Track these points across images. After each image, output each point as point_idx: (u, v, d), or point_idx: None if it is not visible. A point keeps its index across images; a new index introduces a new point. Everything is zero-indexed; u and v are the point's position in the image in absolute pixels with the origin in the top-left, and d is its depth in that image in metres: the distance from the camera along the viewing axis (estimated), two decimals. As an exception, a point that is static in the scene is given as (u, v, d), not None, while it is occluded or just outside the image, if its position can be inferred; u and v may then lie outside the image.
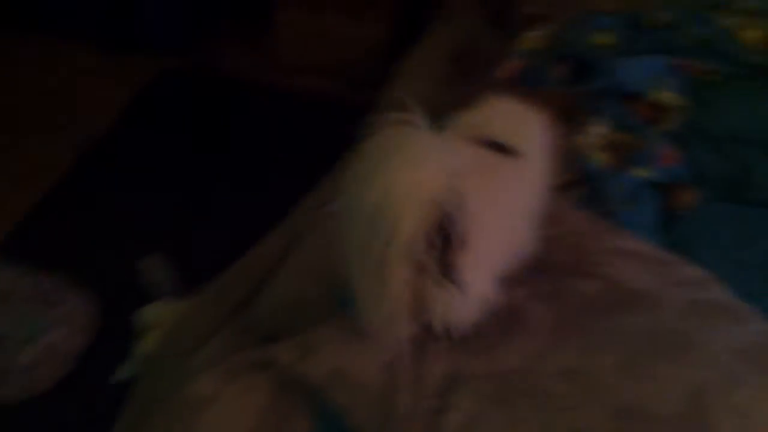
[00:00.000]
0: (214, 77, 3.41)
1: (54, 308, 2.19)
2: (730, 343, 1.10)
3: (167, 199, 2.75)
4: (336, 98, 3.27)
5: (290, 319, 1.63)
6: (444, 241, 1.07)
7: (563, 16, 2.37)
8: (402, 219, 1.02)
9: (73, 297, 2.26)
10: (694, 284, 1.27)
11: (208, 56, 3.52)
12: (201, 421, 1.29)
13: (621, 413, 1.04)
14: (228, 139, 3.06)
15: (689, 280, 1.29)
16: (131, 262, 2.40)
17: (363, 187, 1.06)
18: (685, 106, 2.03)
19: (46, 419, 2.05)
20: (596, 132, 1.89)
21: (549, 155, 1.40)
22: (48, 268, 2.32)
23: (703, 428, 1.01)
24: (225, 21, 3.70)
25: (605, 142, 1.89)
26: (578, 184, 1.82)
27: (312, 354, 1.28)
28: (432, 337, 1.24)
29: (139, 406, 1.75)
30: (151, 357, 1.87)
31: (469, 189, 1.07)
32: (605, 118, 1.90)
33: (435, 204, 1.04)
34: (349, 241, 1.11)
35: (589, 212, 1.59)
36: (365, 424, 1.19)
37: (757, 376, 1.05)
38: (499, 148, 1.28)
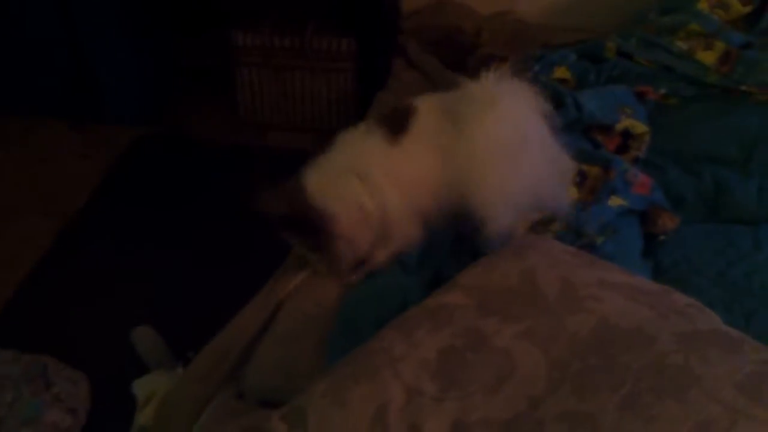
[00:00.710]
0: (188, 141, 3.43)
1: (47, 390, 2.16)
2: (730, 376, 1.09)
3: (152, 268, 2.73)
4: (305, 151, 3.29)
5: (281, 384, 1.62)
6: None
7: (520, 55, 2.41)
8: None
9: (65, 377, 2.23)
10: (685, 314, 1.26)
11: (176, 121, 3.53)
12: (203, 494, 1.27)
13: (627, 457, 1.02)
14: (210, 200, 3.05)
15: (680, 309, 1.27)
16: (119, 337, 2.38)
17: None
18: (650, 131, 2.06)
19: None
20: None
21: None
22: (36, 351, 2.29)
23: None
24: (187, 84, 3.73)
25: (575, 176, 1.90)
26: (552, 220, 1.83)
27: (301, 423, 1.25)
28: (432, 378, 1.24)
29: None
30: (149, 429, 1.84)
31: None
32: (572, 152, 1.92)
33: None
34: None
35: (569, 246, 1.59)
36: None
37: (762, 409, 1.03)
38: None
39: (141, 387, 2.10)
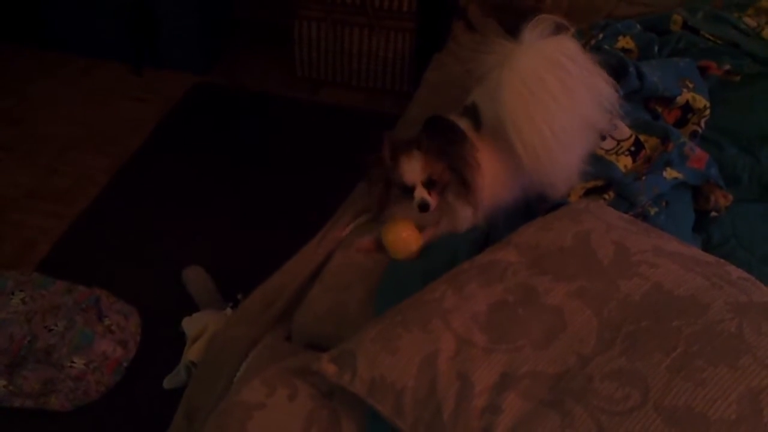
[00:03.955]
0: (242, 92, 3.47)
1: (99, 321, 2.23)
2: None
3: (204, 211, 2.80)
4: (358, 109, 3.32)
5: (329, 328, 1.66)
6: None
7: (582, 24, 2.39)
8: None
9: (117, 310, 2.30)
10: (739, 286, 1.26)
11: (232, 71, 3.57)
12: (250, 428, 1.31)
13: (676, 417, 1.03)
14: (260, 151, 3.11)
15: (734, 281, 1.27)
16: (169, 275, 2.45)
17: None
18: (710, 107, 2.04)
19: (98, 426, 2.11)
20: (621, 136, 1.90)
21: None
22: (90, 284, 2.37)
23: (760, 432, 1.02)
24: (245, 36, 3.76)
25: (630, 146, 1.90)
26: (605, 189, 1.83)
27: (350, 366, 1.29)
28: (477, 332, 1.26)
29: (187, 414, 1.77)
30: (198, 365, 1.90)
31: None
32: (630, 121, 1.91)
33: None
34: None
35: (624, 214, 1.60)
36: (414, 427, 1.21)
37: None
38: None
39: (190, 325, 2.17)
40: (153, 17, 3.40)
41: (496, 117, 1.65)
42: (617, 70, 2.00)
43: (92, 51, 3.55)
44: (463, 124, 1.72)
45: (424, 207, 1.64)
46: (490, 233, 1.75)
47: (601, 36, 2.20)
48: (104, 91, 3.40)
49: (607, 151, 1.87)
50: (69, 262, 2.53)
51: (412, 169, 1.63)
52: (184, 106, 3.33)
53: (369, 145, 1.68)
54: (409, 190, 1.65)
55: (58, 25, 3.52)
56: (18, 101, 3.31)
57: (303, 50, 3.35)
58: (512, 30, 2.78)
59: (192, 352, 2.06)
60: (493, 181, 1.70)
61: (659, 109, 2.02)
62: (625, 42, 2.23)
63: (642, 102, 2.01)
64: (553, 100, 1.61)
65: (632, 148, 1.89)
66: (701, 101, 2.02)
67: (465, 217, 1.70)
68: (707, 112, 2.02)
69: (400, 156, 1.64)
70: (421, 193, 1.64)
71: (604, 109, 1.71)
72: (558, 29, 1.70)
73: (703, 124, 2.01)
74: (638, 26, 2.30)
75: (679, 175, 1.82)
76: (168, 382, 2.12)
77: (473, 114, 1.74)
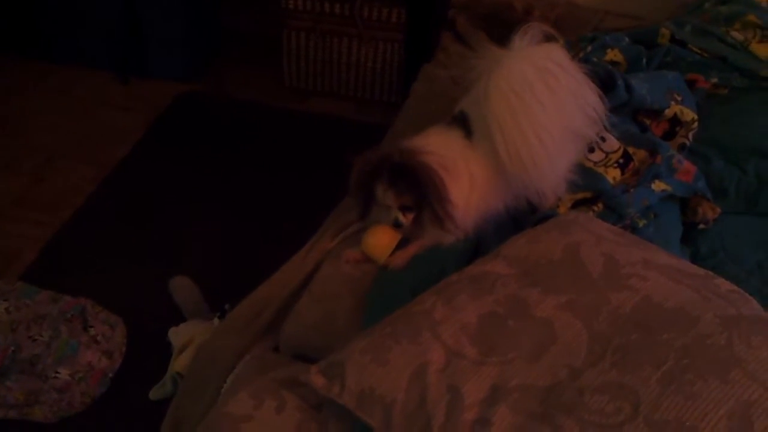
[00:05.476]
0: (229, 102, 3.46)
1: (84, 331, 2.22)
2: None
3: (191, 221, 2.79)
4: (346, 119, 3.32)
5: (317, 338, 1.65)
6: None
7: (570, 36, 2.40)
8: None
9: (102, 320, 2.29)
10: (729, 299, 1.27)
11: (219, 81, 3.57)
12: (238, 440, 1.30)
13: (667, 431, 1.04)
14: (247, 161, 3.10)
15: (723, 294, 1.28)
16: (156, 285, 2.43)
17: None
18: (697, 120, 2.06)
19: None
20: (610, 148, 1.91)
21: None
22: (75, 293, 2.35)
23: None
24: (233, 46, 3.76)
25: (618, 158, 1.90)
26: (594, 200, 1.84)
27: (339, 377, 1.29)
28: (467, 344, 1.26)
29: (174, 426, 1.76)
30: (185, 376, 1.89)
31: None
32: (618, 133, 1.92)
33: None
34: None
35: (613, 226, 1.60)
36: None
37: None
38: None
39: (176, 335, 2.16)
40: (139, 26, 3.39)
41: (486, 123, 1.65)
42: (606, 83, 2.00)
43: (78, 60, 3.54)
44: (453, 133, 1.72)
45: (397, 225, 1.67)
46: (479, 245, 1.75)
47: (589, 48, 2.21)
48: (90, 100, 3.39)
49: (595, 163, 1.88)
50: (54, 272, 2.52)
51: (385, 197, 1.64)
52: (170, 116, 3.32)
53: (356, 156, 1.68)
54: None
55: (44, 35, 3.51)
56: (3, 110, 3.29)
57: (291, 60, 3.35)
58: (500, 41, 2.81)
59: (178, 363, 2.05)
60: (484, 188, 1.70)
61: (647, 122, 2.03)
62: (613, 54, 2.24)
63: (630, 114, 2.02)
64: (540, 105, 1.62)
65: (621, 161, 1.90)
66: (689, 114, 2.03)
67: (444, 235, 1.70)
68: (695, 124, 2.03)
69: (375, 181, 1.64)
70: (395, 213, 1.66)
71: (591, 117, 1.72)
72: (547, 39, 1.71)
73: (690, 137, 2.02)
74: (626, 39, 2.31)
75: (668, 188, 1.83)
76: (154, 394, 2.10)
77: (463, 122, 1.74)
